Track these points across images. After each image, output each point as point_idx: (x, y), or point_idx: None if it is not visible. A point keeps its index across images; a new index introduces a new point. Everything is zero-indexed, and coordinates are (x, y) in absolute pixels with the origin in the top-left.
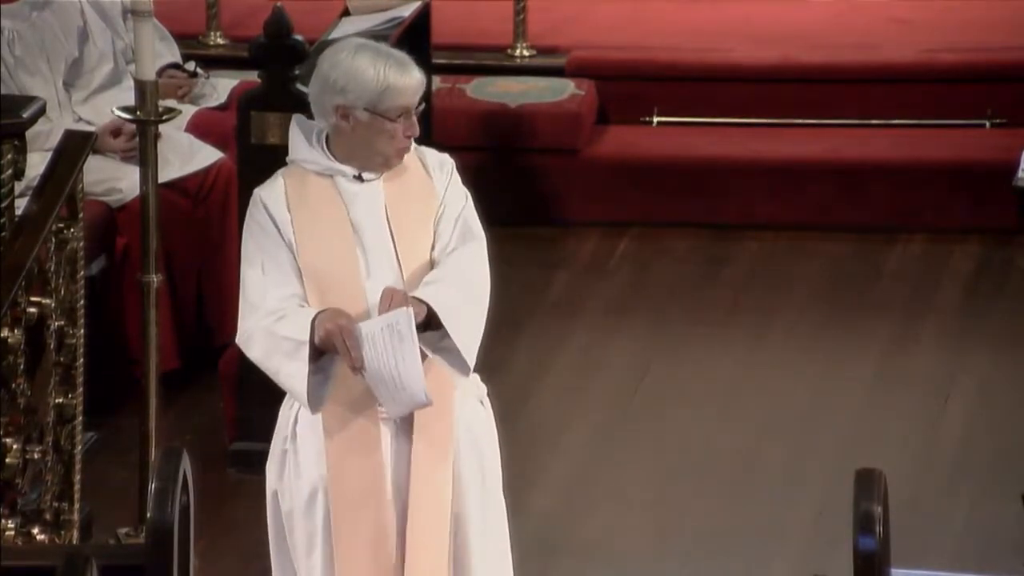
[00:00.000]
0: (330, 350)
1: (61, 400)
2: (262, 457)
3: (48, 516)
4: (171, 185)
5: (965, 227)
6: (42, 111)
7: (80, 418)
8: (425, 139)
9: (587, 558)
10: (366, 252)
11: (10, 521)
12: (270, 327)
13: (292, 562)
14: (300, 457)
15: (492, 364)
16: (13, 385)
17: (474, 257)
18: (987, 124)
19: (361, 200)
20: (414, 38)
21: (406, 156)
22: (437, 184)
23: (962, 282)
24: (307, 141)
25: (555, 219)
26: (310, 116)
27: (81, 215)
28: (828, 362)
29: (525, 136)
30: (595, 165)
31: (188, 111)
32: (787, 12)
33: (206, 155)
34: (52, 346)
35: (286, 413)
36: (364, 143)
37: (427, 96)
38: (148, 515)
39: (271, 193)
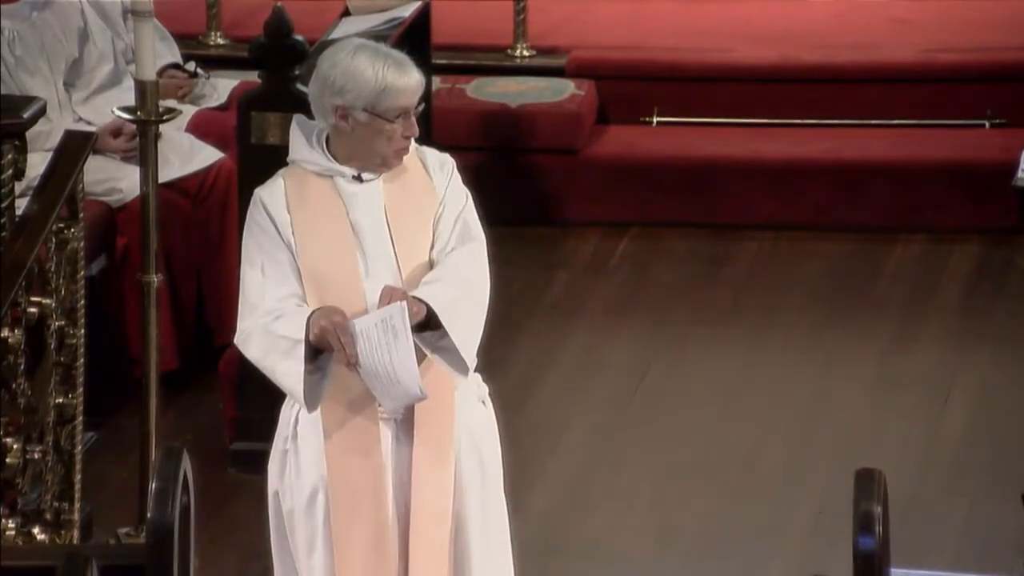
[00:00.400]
0: (325, 347)
1: (61, 400)
2: (262, 457)
3: (48, 516)
4: (171, 185)
5: (965, 227)
6: (42, 111)
7: (80, 418)
8: (425, 139)
9: (587, 558)
10: (365, 253)
11: (10, 521)
12: (267, 326)
13: (294, 562)
14: (301, 457)
15: (492, 364)
16: (13, 385)
17: (474, 257)
18: (987, 124)
19: (361, 201)
20: (414, 38)
21: (406, 156)
22: (437, 184)
23: (962, 282)
24: (307, 142)
25: (555, 219)
26: (310, 116)
27: (81, 215)
28: (828, 362)
29: (525, 136)
30: (595, 165)
31: (188, 111)
32: (787, 12)
33: (206, 155)
34: (52, 346)
35: (287, 413)
36: (363, 144)
37: (427, 96)
38: (148, 515)
39: (271, 193)
